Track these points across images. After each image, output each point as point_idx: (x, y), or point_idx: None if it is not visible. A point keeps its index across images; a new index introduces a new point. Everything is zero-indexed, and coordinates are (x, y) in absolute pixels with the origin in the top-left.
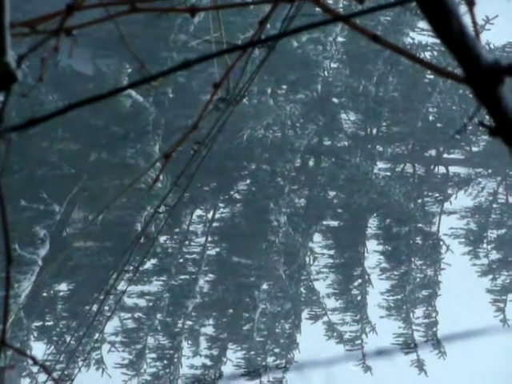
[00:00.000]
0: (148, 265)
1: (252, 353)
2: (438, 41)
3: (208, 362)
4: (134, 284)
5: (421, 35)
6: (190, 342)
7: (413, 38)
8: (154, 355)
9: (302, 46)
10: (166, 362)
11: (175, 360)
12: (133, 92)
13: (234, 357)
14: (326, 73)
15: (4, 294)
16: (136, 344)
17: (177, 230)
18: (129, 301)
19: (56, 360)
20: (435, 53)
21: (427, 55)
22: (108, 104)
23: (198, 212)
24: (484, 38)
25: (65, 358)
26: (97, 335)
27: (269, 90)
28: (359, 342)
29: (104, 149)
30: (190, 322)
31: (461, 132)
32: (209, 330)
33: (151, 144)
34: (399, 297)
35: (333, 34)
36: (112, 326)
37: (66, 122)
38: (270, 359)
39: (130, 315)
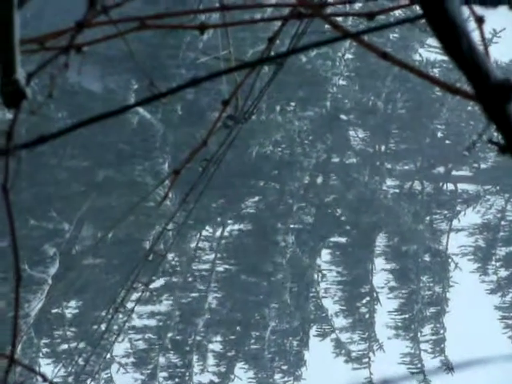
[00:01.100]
0: (157, 283)
1: (260, 370)
2: (446, 58)
3: (216, 379)
4: (144, 304)
5: (429, 52)
6: (198, 358)
7: (421, 56)
8: (165, 374)
9: (310, 61)
10: (177, 380)
11: (187, 378)
12: (140, 109)
13: (241, 374)
14: (334, 89)
15: (13, 314)
16: (148, 364)
17: (185, 247)
18: (139, 322)
19: (65, 379)
20: (443, 70)
21: (436, 72)
22: (115, 121)
23: (207, 229)
24: (492, 50)
25: (74, 377)
26: (105, 354)
27: (277, 107)
28: (366, 360)
29: (112, 166)
30: (198, 338)
31: (470, 149)
32: (216, 346)
33: (159, 162)
34: (407, 316)
35: (342, 49)
36: (122, 347)
37: (75, 139)
38: (277, 376)
39: (140, 336)
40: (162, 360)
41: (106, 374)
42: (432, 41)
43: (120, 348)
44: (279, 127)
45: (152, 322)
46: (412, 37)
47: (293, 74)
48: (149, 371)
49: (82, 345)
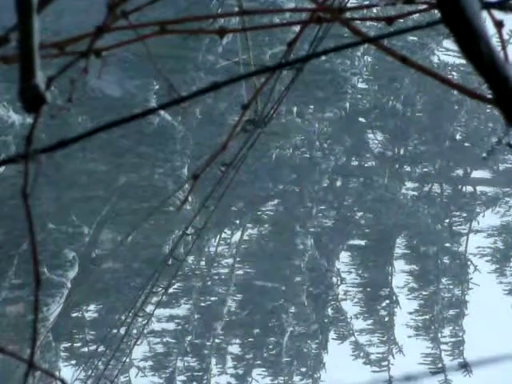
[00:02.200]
0: (176, 287)
1: (278, 373)
2: (464, 61)
3: (233, 381)
4: (163, 307)
5: (447, 55)
6: (217, 360)
7: (439, 58)
8: (183, 377)
9: (329, 60)
10: (195, 383)
11: (205, 381)
12: (161, 111)
13: (259, 377)
14: (353, 90)
15: (33, 318)
16: (166, 368)
17: (204, 251)
18: (158, 325)
19: (84, 382)
20: (461, 73)
21: (454, 75)
22: (136, 124)
23: (226, 233)
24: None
25: (93, 381)
26: (125, 358)
27: (295, 109)
28: (386, 363)
29: (132, 170)
30: (217, 341)
31: (490, 154)
32: (235, 349)
33: (179, 165)
34: (427, 317)
35: (360, 49)
36: (141, 351)
37: (94, 142)
38: (296, 378)
39: (159, 340)
40: (180, 364)
41: (125, 377)
42: (450, 44)
43: (138, 351)
44: (298, 129)
45: (171, 326)
46: (429, 38)
47: (311, 73)
48: (167, 375)
49: (101, 348)
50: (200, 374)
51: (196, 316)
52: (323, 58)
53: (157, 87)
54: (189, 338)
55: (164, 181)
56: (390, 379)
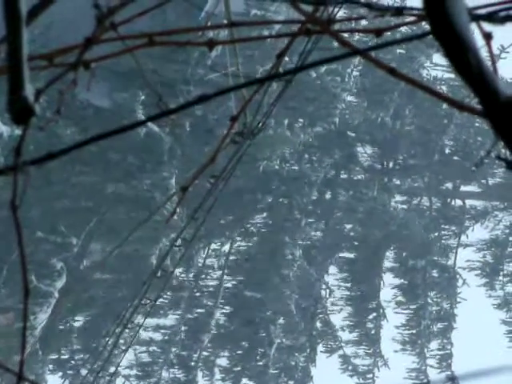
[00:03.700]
0: (164, 298)
1: None
2: (453, 75)
3: None
4: (150, 317)
5: (435, 70)
6: (205, 373)
7: (428, 71)
8: None
9: (320, 77)
10: None
11: None
12: (150, 122)
13: None
14: (343, 105)
15: (21, 326)
16: (151, 377)
17: (193, 263)
18: (144, 334)
19: None
20: (450, 87)
21: (443, 89)
22: (123, 134)
23: (215, 245)
24: (499, 66)
25: None
26: (112, 369)
27: (285, 121)
28: (371, 376)
29: (120, 181)
30: (205, 353)
31: (478, 166)
32: (223, 361)
33: (167, 176)
34: (414, 331)
35: (351, 65)
36: (126, 359)
37: (83, 154)
38: None
39: (144, 348)
40: (165, 374)
41: None
42: (439, 59)
43: (124, 359)
44: (287, 141)
45: (157, 336)
46: (418, 52)
47: (302, 89)
48: None
49: (88, 359)
50: None
51: (183, 327)
52: (314, 74)
53: (142, 97)
54: (174, 349)
55: (152, 191)
56: None
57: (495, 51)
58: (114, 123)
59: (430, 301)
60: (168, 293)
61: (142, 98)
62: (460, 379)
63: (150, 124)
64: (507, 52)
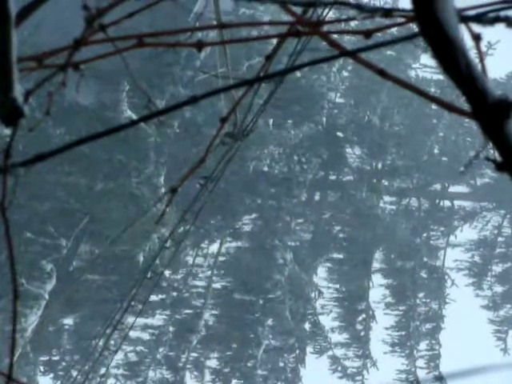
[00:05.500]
0: (153, 298)
1: None
2: (441, 77)
3: None
4: (138, 317)
5: (424, 71)
6: (194, 374)
7: (416, 72)
8: None
9: (305, 76)
10: None
11: None
12: (133, 116)
13: None
14: (330, 105)
15: (11, 329)
16: (137, 377)
17: (182, 263)
18: (132, 333)
19: None
20: (439, 88)
21: (432, 90)
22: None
23: (204, 246)
24: (487, 63)
25: None
26: (103, 370)
27: (271, 121)
28: (360, 377)
29: (108, 178)
30: (194, 355)
31: (467, 167)
32: (213, 362)
33: (155, 174)
34: (403, 333)
35: (336, 64)
36: (114, 358)
37: (71, 154)
38: None
39: (132, 348)
40: (152, 374)
41: None
42: (427, 60)
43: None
44: (274, 140)
45: (145, 335)
46: (406, 53)
47: (288, 89)
48: None
49: (79, 360)
50: None
51: (171, 328)
52: (299, 74)
53: (130, 98)
54: (162, 349)
55: (140, 189)
56: None
57: (482, 48)
58: (102, 123)
59: (418, 302)
60: (156, 293)
61: (130, 98)
62: (448, 378)
63: (135, 118)
64: (494, 49)
